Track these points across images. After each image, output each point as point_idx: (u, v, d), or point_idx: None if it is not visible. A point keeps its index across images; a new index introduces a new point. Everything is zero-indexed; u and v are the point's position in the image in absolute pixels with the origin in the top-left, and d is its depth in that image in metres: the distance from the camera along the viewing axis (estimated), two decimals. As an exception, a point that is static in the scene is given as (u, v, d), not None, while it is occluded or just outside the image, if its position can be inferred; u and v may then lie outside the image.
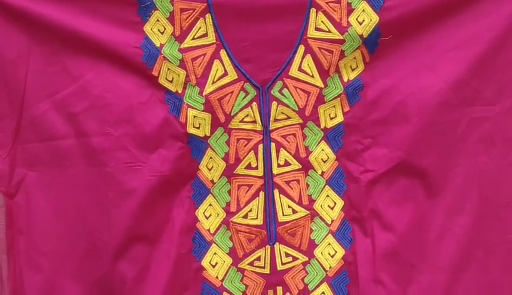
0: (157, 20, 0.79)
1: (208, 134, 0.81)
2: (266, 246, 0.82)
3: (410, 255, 0.81)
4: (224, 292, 0.82)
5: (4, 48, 0.79)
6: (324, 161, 0.83)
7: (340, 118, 0.82)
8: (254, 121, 0.81)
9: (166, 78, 0.80)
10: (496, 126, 0.81)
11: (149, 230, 0.80)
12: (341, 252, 0.83)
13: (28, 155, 0.81)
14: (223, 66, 0.80)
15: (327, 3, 0.79)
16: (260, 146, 0.81)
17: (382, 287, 0.80)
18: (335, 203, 0.83)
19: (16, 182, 0.81)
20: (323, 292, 0.82)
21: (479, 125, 0.80)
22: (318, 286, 0.83)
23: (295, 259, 0.83)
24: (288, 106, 0.81)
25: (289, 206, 0.82)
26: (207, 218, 0.83)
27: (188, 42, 0.79)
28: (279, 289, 0.83)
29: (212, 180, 0.82)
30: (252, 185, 0.82)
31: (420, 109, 0.79)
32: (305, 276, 0.83)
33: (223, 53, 0.80)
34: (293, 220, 0.82)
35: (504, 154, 0.81)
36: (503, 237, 0.81)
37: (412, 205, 0.81)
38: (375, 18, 0.78)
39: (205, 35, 0.79)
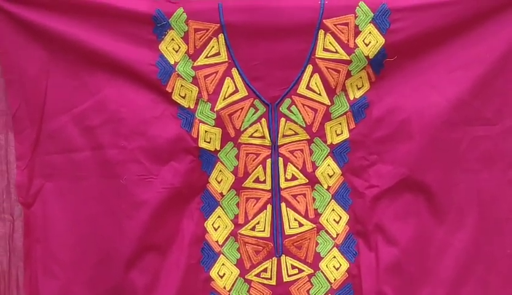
0: (172, 39, 0.82)
1: (218, 149, 0.84)
2: (273, 258, 0.85)
3: (412, 269, 0.83)
4: (232, 303, 0.85)
5: (26, 64, 0.83)
6: (330, 176, 0.86)
7: (345, 135, 0.85)
8: (263, 137, 0.84)
9: (179, 95, 0.83)
10: (497, 145, 0.83)
11: (159, 241, 0.83)
12: (345, 265, 0.85)
13: (45, 166, 0.85)
14: (234, 83, 0.83)
15: (335, 25, 0.82)
16: (268, 161, 0.84)
17: (385, 299, 0.83)
18: (341, 217, 0.86)
19: (34, 193, 0.84)
20: (327, 304, 0.85)
21: (480, 144, 0.83)
22: (323, 297, 0.85)
23: (300, 271, 0.85)
24: (296, 123, 0.84)
25: (296, 219, 0.85)
26: (215, 230, 0.86)
27: (201, 60, 0.83)
28: (285, 299, 0.85)
29: (221, 193, 0.85)
30: (260, 198, 0.85)
31: (424, 127, 0.82)
32: (310, 288, 0.85)
33: (234, 71, 0.83)
34: (299, 233, 0.85)
35: (504, 172, 0.84)
36: (502, 252, 0.84)
37: (415, 220, 0.84)
38: (381, 40, 0.81)
39: (217, 54, 0.83)
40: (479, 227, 0.83)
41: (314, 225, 0.85)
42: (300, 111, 0.84)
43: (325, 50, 0.82)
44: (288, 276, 0.85)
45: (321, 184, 0.85)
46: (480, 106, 0.82)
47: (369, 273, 0.84)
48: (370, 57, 0.82)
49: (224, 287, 0.85)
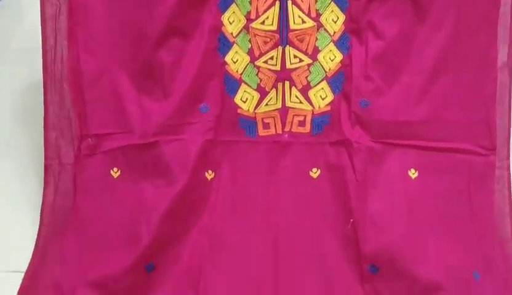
0: None
1: None
2: (279, 48, 1.00)
3: (396, 59, 0.98)
4: (243, 83, 1.01)
5: None
6: None
7: None
8: None
9: None
10: None
11: (183, 27, 0.97)
12: (339, 57, 1.00)
13: None
14: None
15: None
16: None
17: (371, 83, 0.99)
18: (338, 18, 1.00)
19: (75, -20, 0.97)
20: (322, 88, 1.01)
21: None
22: (318, 83, 1.01)
23: (301, 60, 1.00)
24: None
25: (299, 16, 0.99)
26: (230, 23, 1.00)
27: None
28: (287, 83, 1.01)
29: (236, -8, 0.99)
30: (270, -5, 0.99)
31: None
32: (308, 75, 1.01)
33: None
34: (302, 28, 0.99)
35: None
36: (474, 50, 0.98)
37: (401, 19, 0.97)
38: None
39: None
40: (456, 28, 0.97)
41: (315, 23, 0.99)
42: None
43: None
44: (291, 63, 1.00)
45: (323, -12, 0.99)
46: None
47: (359, 63, 0.99)
48: None
49: (237, 71, 1.01)
